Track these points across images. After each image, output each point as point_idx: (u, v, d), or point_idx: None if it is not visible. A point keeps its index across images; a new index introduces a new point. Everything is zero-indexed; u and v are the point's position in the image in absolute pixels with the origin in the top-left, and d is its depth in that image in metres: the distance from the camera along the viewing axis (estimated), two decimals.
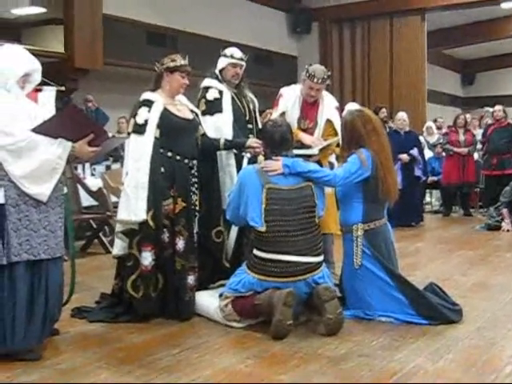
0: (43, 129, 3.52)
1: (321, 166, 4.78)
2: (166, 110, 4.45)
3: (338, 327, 4.02)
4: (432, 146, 11.53)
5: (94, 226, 7.54)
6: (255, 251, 4.16)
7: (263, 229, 4.09)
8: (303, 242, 4.11)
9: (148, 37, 11.83)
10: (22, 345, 3.55)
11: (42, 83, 4.50)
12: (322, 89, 5.13)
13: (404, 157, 9.19)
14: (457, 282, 5.49)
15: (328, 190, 4.62)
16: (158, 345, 3.88)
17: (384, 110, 10.25)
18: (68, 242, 4.05)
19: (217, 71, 5.02)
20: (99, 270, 6.11)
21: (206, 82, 5.02)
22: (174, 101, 4.60)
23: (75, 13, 10.18)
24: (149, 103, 4.44)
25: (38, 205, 3.56)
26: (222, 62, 5.03)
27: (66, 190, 3.82)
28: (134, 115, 4.43)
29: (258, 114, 5.28)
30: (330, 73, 5.18)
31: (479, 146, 10.73)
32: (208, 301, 4.43)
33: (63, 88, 7.06)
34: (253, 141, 4.77)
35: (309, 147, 4.94)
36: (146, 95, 4.51)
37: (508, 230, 8.65)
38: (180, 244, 4.38)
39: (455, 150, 10.36)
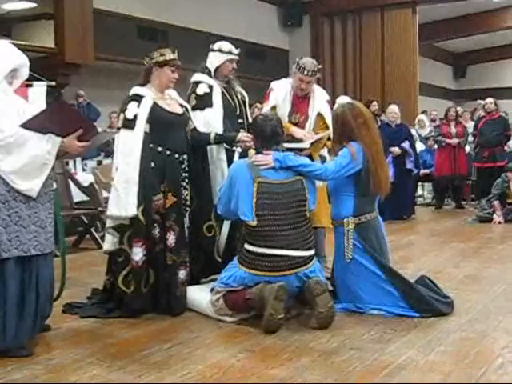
0: (32, 124, 3.50)
1: (312, 159, 4.78)
2: (155, 104, 4.43)
3: (330, 321, 4.02)
4: (424, 139, 11.55)
5: (86, 221, 7.52)
6: (246, 245, 4.15)
7: (254, 223, 4.08)
8: (294, 235, 4.10)
9: (139, 31, 11.81)
10: (13, 342, 3.54)
11: (33, 78, 4.48)
12: (312, 82, 5.12)
13: (395, 150, 9.19)
14: (449, 274, 5.50)
15: (319, 184, 4.62)
16: (150, 340, 3.88)
17: (375, 103, 10.25)
18: (58, 237, 4.04)
19: (211, 67, 4.96)
20: (91, 265, 6.10)
21: (196, 76, 5.00)
22: (164, 95, 4.58)
23: (65, 7, 10.16)
24: (138, 98, 4.41)
25: (28, 201, 3.55)
26: (218, 58, 4.96)
27: (55, 185, 3.81)
28: (124, 110, 4.41)
29: (248, 108, 5.26)
30: (320, 66, 5.17)
31: (471, 138, 10.76)
32: (200, 295, 4.43)
33: (54, 83, 7.02)
34: (243, 135, 4.76)
35: (300, 141, 4.93)
36: (136, 90, 4.49)
37: (499, 222, 8.69)
38: (171, 239, 4.37)
39: (447, 141, 10.38)
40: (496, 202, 8.80)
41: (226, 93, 5.02)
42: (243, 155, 4.80)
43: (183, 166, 4.56)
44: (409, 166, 9.43)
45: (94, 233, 7.46)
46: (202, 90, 4.93)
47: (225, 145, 4.87)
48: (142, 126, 4.35)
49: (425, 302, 4.24)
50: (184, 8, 12.38)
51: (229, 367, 3.40)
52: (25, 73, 3.79)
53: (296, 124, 5.15)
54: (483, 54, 21.73)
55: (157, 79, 4.52)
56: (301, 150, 4.77)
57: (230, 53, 4.99)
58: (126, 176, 4.28)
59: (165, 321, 4.26)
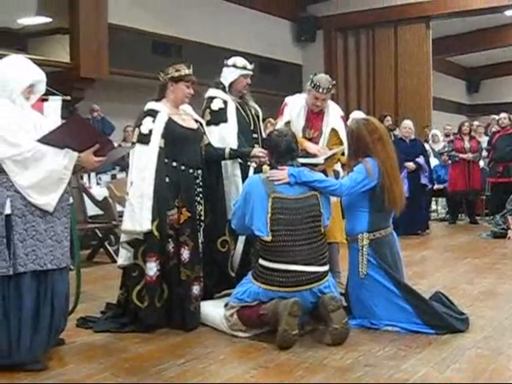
0: (49, 139, 3.53)
1: (326, 174, 4.78)
2: (170, 119, 4.45)
3: (344, 337, 4.00)
4: (438, 154, 11.51)
5: (100, 235, 7.54)
6: (261, 261, 4.15)
7: (269, 238, 4.08)
8: (309, 251, 4.10)
9: (153, 46, 11.87)
10: (28, 355, 3.54)
11: (48, 93, 4.51)
12: (327, 98, 5.13)
13: (410, 165, 9.19)
14: (463, 290, 5.47)
15: (333, 199, 4.61)
16: (164, 355, 3.87)
17: (389, 118, 10.26)
18: (73, 251, 4.05)
19: (225, 83, 4.98)
20: (105, 279, 6.11)
21: (211, 91, 5.01)
22: (179, 110, 4.60)
23: (81, 22, 10.24)
24: (153, 113, 4.44)
25: (44, 215, 3.57)
26: (233, 74, 4.97)
27: (71, 200, 3.83)
28: (139, 125, 4.43)
29: (261, 123, 5.28)
30: (334, 82, 5.18)
31: (485, 153, 10.72)
32: (213, 311, 4.43)
33: (69, 97, 7.06)
34: (258, 150, 4.77)
35: (314, 156, 4.94)
36: (151, 105, 4.51)
37: None
38: (185, 254, 4.37)
39: (461, 155, 10.34)
40: (510, 218, 8.74)
41: (240, 108, 5.03)
42: (258, 170, 4.81)
43: (198, 181, 4.57)
44: (423, 181, 9.41)
45: (108, 247, 7.47)
46: (216, 105, 4.94)
47: (239, 160, 4.88)
48: (156, 141, 4.37)
49: (440, 318, 4.21)
50: (198, 23, 12.44)
51: (242, 383, 3.39)
52: (42, 88, 3.82)
53: (310, 139, 5.16)
54: (496, 68, 21.69)
55: (172, 94, 4.54)
56: (315, 165, 4.78)
57: (245, 68, 5.01)
58: (140, 191, 4.29)
59: (179, 336, 4.25)
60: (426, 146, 10.69)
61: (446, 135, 12.37)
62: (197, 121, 4.73)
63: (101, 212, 7.65)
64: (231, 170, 4.88)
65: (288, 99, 5.36)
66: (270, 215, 4.10)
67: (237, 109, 4.98)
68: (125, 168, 8.68)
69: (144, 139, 4.37)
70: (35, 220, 3.53)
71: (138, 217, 4.26)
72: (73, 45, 10.36)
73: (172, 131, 4.43)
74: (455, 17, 14.71)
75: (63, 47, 10.51)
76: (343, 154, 5.08)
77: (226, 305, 4.30)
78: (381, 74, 14.82)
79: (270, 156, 4.43)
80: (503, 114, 10.34)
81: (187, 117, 4.65)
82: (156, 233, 4.27)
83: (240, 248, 4.82)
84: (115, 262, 5.71)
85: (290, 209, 4.12)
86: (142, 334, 4.28)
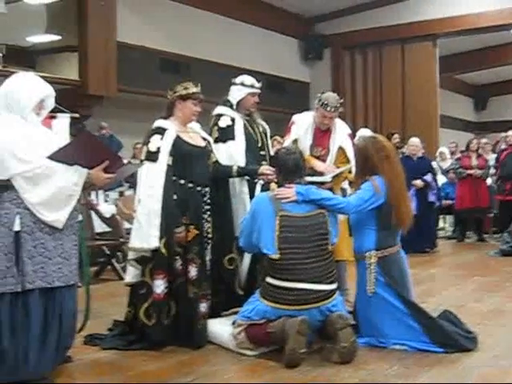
0: (59, 156, 3.55)
1: (333, 192, 4.77)
2: (178, 137, 4.47)
3: (352, 355, 3.98)
4: (445, 172, 11.50)
5: (107, 252, 7.54)
6: (268, 279, 4.14)
7: (276, 256, 4.08)
8: (317, 269, 4.09)
9: (161, 64, 11.91)
10: (35, 372, 3.54)
11: (56, 110, 4.54)
12: (335, 117, 5.15)
13: (418, 183, 9.19)
14: (472, 308, 5.44)
15: (340, 217, 4.61)
16: (171, 373, 3.87)
17: (396, 135, 10.27)
18: (82, 268, 4.05)
19: (233, 101, 4.99)
20: (112, 296, 6.10)
21: (219, 109, 5.03)
22: (187, 128, 4.63)
23: (89, 40, 10.30)
24: (161, 131, 4.46)
25: (53, 232, 3.58)
26: (240, 92, 4.99)
27: (80, 217, 3.84)
28: (147, 143, 4.45)
29: (269, 140, 5.29)
30: (342, 100, 5.19)
31: (492, 170, 10.70)
32: (221, 328, 4.42)
33: (77, 115, 7.10)
34: (265, 168, 4.78)
35: (321, 174, 4.95)
36: (159, 123, 4.54)
37: None
38: (193, 272, 4.37)
39: (468, 172, 10.30)
40: None
41: (248, 125, 5.04)
42: (265, 188, 4.81)
43: (205, 198, 4.58)
44: (431, 198, 9.40)
45: (116, 264, 7.47)
46: (224, 122, 4.96)
47: (247, 177, 4.88)
48: (164, 158, 4.38)
49: (448, 337, 4.19)
50: (206, 41, 12.51)
51: None
52: (50, 103, 3.85)
53: (317, 157, 5.17)
54: (504, 86, 21.68)
55: (180, 112, 4.56)
56: (322, 183, 4.79)
57: (252, 86, 5.03)
58: (148, 208, 4.30)
59: (186, 353, 4.24)
60: (434, 163, 10.68)
61: (452, 153, 12.36)
62: (204, 139, 4.74)
63: (108, 229, 7.66)
64: (239, 187, 4.89)
65: (295, 117, 5.38)
66: (277, 233, 4.10)
67: (244, 126, 4.99)
68: (134, 185, 8.69)
69: (152, 157, 4.38)
70: (44, 237, 3.54)
71: (145, 234, 4.27)
72: (81, 62, 10.41)
73: (180, 149, 4.45)
74: (462, 35, 14.74)
75: (72, 65, 10.57)
76: (350, 171, 5.08)
77: (233, 323, 4.29)
78: (388, 92, 14.84)
79: (278, 174, 4.44)
80: (511, 132, 10.33)
81: (195, 134, 4.67)
82: (164, 250, 4.28)
83: (246, 265, 4.82)
84: (122, 279, 5.71)
85: (298, 227, 4.12)
86: (149, 351, 4.27)
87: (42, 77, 3.90)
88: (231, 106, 5.01)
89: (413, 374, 3.77)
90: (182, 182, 4.45)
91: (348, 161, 5.16)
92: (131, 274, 4.46)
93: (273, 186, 4.72)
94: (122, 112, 11.34)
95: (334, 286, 4.18)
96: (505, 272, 7.45)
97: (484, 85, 22.40)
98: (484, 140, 12.17)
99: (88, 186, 3.81)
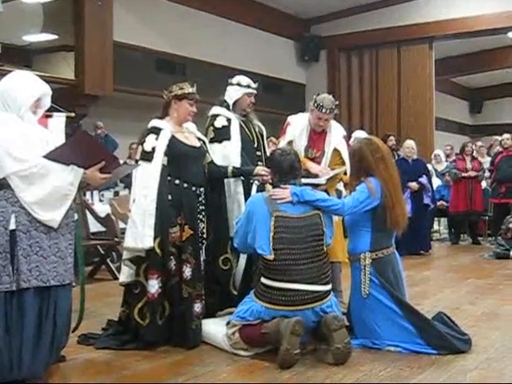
0: (55, 155, 3.54)
1: (328, 194, 4.78)
2: (173, 137, 4.47)
3: (346, 357, 3.99)
4: (440, 175, 11.52)
5: (102, 251, 7.53)
6: (263, 279, 4.14)
7: (271, 257, 4.08)
8: (311, 270, 4.09)
9: (157, 64, 11.91)
10: (29, 372, 3.53)
11: (52, 109, 4.54)
12: (330, 118, 5.15)
13: (413, 185, 9.21)
14: (466, 311, 5.45)
15: (335, 219, 4.61)
16: (165, 373, 3.86)
17: (392, 137, 10.28)
18: (77, 268, 4.05)
19: (230, 101, 5.00)
20: (106, 296, 6.09)
21: (214, 109, 5.04)
22: (182, 128, 4.62)
23: (86, 40, 10.29)
24: (156, 130, 4.46)
25: (49, 231, 3.57)
26: (236, 92, 5.00)
27: (76, 216, 3.84)
28: (142, 142, 4.45)
29: (265, 141, 5.29)
30: (337, 102, 5.19)
31: (487, 174, 10.73)
32: (215, 329, 4.41)
33: (73, 114, 7.09)
34: (261, 168, 4.78)
35: (316, 176, 4.95)
36: (154, 122, 4.53)
37: None
38: (187, 272, 4.37)
39: (463, 174, 10.33)
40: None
41: (244, 126, 5.04)
42: (260, 189, 4.82)
43: (200, 198, 4.58)
44: (426, 200, 9.41)
45: (110, 264, 7.46)
46: (220, 123, 4.96)
47: (242, 178, 4.88)
48: (159, 158, 4.38)
49: (442, 338, 4.19)
50: (202, 42, 12.51)
51: None
52: (47, 102, 3.85)
53: (312, 159, 5.17)
54: (499, 89, 21.72)
55: (175, 112, 4.56)
56: (317, 185, 4.79)
57: (249, 86, 5.03)
58: (143, 208, 4.30)
59: (180, 354, 4.24)
60: (429, 166, 10.70)
61: (447, 156, 12.38)
62: (199, 139, 4.74)
63: (103, 229, 7.65)
64: (234, 188, 4.89)
65: (291, 118, 5.38)
66: (272, 234, 4.10)
67: (240, 127, 4.99)
68: (129, 185, 8.69)
69: (147, 157, 4.38)
70: (39, 236, 3.54)
71: (140, 234, 4.27)
72: (78, 62, 10.40)
73: (175, 149, 4.45)
74: (458, 38, 14.76)
75: (68, 64, 10.56)
76: (345, 173, 5.09)
77: (227, 323, 4.29)
78: (384, 94, 14.86)
79: (273, 175, 4.44)
80: (506, 135, 10.36)
81: (190, 135, 4.67)
82: (158, 250, 4.28)
83: (242, 265, 4.82)
84: (117, 278, 5.69)
85: (293, 227, 4.13)
86: (143, 351, 4.27)
87: (39, 76, 3.89)
88: (228, 106, 5.01)
89: (406, 376, 3.77)
90: (177, 182, 4.45)
91: (343, 163, 5.16)
92: (125, 274, 4.46)
93: (268, 186, 4.72)
94: (117, 112, 11.33)
95: (328, 287, 4.18)
96: (499, 275, 7.47)
97: (480, 88, 22.45)
98: (479, 143, 12.20)
99: (83, 186, 3.81)
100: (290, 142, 5.18)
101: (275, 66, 14.41)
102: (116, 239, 7.23)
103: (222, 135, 4.93)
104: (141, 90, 11.22)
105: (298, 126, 5.25)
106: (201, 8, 12.56)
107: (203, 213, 4.60)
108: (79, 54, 10.39)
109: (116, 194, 9.13)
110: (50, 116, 6.30)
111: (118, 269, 5.85)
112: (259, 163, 4.95)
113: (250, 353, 4.17)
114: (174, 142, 4.47)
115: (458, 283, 6.95)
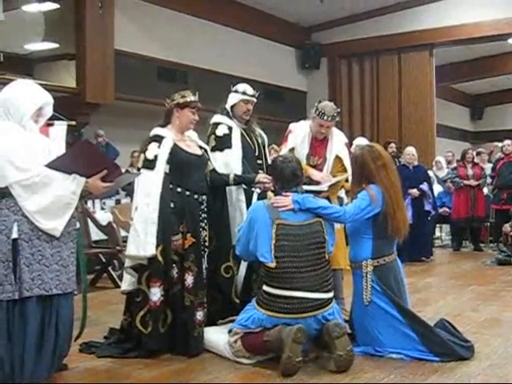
0: (57, 164, 3.55)
1: (330, 201, 4.78)
2: (175, 145, 4.48)
3: (348, 364, 3.98)
4: (442, 181, 11.52)
5: (104, 260, 7.53)
6: (265, 287, 4.14)
7: (273, 265, 4.08)
8: (313, 278, 4.09)
9: (159, 72, 11.92)
10: (31, 379, 3.53)
11: (54, 118, 4.55)
12: (331, 126, 5.15)
13: (414, 191, 9.20)
14: (468, 317, 5.44)
15: (337, 226, 4.61)
16: (167, 381, 3.86)
17: (393, 144, 10.30)
18: (80, 276, 4.05)
19: (228, 107, 5.04)
20: (108, 304, 6.09)
21: (216, 118, 5.05)
22: (184, 136, 4.63)
23: (87, 48, 10.32)
24: (159, 139, 4.47)
25: (51, 240, 3.58)
26: (233, 98, 5.04)
27: (78, 225, 3.84)
28: (144, 151, 4.46)
29: (267, 149, 5.30)
30: (339, 109, 5.20)
31: (489, 180, 10.72)
32: (217, 337, 4.41)
33: (74, 123, 7.10)
34: (262, 176, 4.79)
35: (318, 183, 4.95)
36: (156, 131, 4.54)
37: None
38: (189, 280, 4.37)
39: (465, 182, 10.34)
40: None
41: (245, 134, 5.06)
42: (262, 196, 4.82)
43: (202, 206, 4.58)
44: (427, 207, 9.41)
45: (112, 272, 7.46)
46: (221, 131, 4.97)
47: (244, 186, 4.89)
48: (162, 166, 4.39)
49: (445, 345, 4.19)
50: (203, 50, 12.53)
51: None
52: (49, 111, 3.86)
53: (314, 166, 5.17)
54: (500, 95, 21.74)
55: (177, 120, 4.57)
56: (319, 192, 4.79)
57: (244, 93, 5.04)
58: (145, 216, 4.30)
59: (182, 362, 4.24)
60: (430, 172, 10.70)
61: (448, 162, 12.39)
62: (201, 147, 4.75)
63: (105, 237, 7.65)
64: (236, 195, 4.89)
65: (292, 126, 5.38)
66: (274, 241, 4.10)
67: (242, 135, 5.01)
68: (130, 193, 8.69)
69: (149, 165, 4.39)
70: (42, 245, 3.55)
71: (142, 242, 4.27)
72: (79, 70, 10.44)
73: (177, 157, 4.46)
74: (459, 44, 14.79)
75: (69, 73, 10.59)
76: (347, 180, 5.08)
77: (229, 331, 4.28)
78: (385, 101, 14.87)
79: (275, 182, 4.44)
80: (507, 141, 10.36)
81: (192, 143, 4.68)
82: (160, 258, 4.28)
83: (242, 273, 4.82)
84: (119, 287, 5.70)
85: (295, 235, 4.13)
86: (145, 359, 4.26)
87: (40, 84, 3.91)
88: (228, 114, 5.03)
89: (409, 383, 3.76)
90: (179, 189, 4.45)
91: (345, 170, 5.16)
92: (127, 282, 4.46)
93: (269, 194, 4.72)
94: (118, 120, 11.35)
95: (330, 295, 4.18)
96: (501, 281, 7.46)
97: (480, 94, 22.45)
98: (480, 149, 12.20)
99: (85, 195, 3.81)
100: (292, 150, 5.17)
101: (276, 73, 14.43)
102: (118, 247, 7.23)
103: (223, 143, 4.94)
104: (142, 98, 11.25)
105: (299, 134, 5.25)
106: (202, 17, 12.59)
107: (205, 221, 4.60)
108: (80, 63, 10.42)
109: (118, 202, 9.13)
110: (52, 124, 6.30)
111: (120, 277, 5.84)
112: (260, 171, 4.96)
113: (252, 361, 4.16)
114: (176, 150, 4.47)
115: (460, 290, 6.94)
